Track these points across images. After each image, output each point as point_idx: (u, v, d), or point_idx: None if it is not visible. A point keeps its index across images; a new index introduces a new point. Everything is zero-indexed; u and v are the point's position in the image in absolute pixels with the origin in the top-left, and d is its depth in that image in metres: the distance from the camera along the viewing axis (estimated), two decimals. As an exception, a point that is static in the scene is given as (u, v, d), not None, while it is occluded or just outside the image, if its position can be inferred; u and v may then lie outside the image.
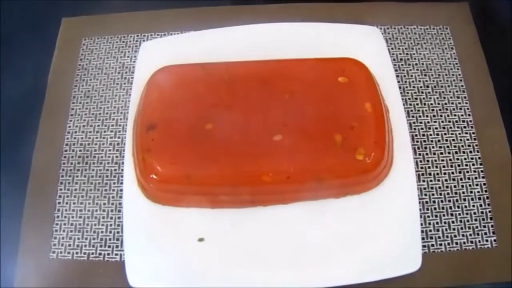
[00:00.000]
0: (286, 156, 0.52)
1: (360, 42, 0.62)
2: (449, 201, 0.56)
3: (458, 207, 0.56)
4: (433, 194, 0.57)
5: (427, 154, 0.59)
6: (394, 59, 0.65)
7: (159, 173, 0.52)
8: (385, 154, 0.54)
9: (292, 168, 0.52)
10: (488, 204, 0.56)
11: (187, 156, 0.53)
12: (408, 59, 0.65)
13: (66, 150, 0.60)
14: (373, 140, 0.54)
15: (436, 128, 0.61)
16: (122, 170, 0.57)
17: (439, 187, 0.57)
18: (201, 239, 0.53)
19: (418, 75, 0.64)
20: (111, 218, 0.56)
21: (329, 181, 0.53)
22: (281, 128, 0.54)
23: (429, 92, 0.63)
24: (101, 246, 0.55)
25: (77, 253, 0.54)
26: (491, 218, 0.55)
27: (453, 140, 0.60)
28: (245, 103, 0.56)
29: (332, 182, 0.53)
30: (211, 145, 0.54)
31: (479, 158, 0.59)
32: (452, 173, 0.58)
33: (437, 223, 0.55)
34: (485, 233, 0.55)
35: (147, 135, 0.54)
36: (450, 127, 0.61)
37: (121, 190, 0.56)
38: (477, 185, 0.57)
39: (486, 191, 0.57)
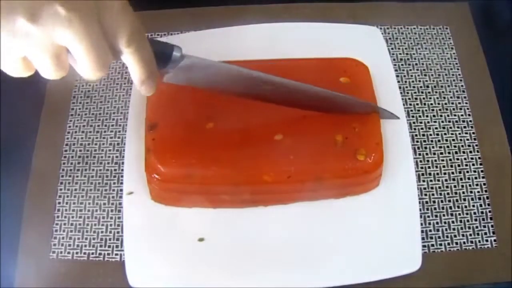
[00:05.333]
0: (287, 156, 0.52)
1: (360, 42, 0.63)
2: (449, 201, 0.56)
3: (458, 207, 0.56)
4: (433, 194, 0.57)
5: (427, 154, 0.59)
6: (394, 59, 0.65)
7: (161, 173, 0.52)
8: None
9: (293, 168, 0.52)
10: (488, 204, 0.56)
11: (188, 156, 0.53)
12: (408, 59, 0.65)
13: (66, 150, 0.60)
14: (374, 141, 0.54)
15: (436, 128, 0.61)
16: (122, 170, 0.57)
17: (439, 187, 0.57)
18: (201, 239, 0.53)
19: (418, 75, 0.64)
20: (111, 218, 0.56)
21: (330, 181, 0.53)
22: (282, 128, 0.54)
23: (429, 92, 0.63)
24: (101, 246, 0.55)
25: (77, 253, 0.54)
26: (491, 218, 0.55)
27: (453, 140, 0.60)
28: (246, 102, 0.56)
29: (332, 182, 0.53)
30: (212, 144, 0.54)
31: (479, 158, 0.59)
32: (452, 173, 0.58)
33: (437, 223, 0.55)
34: (485, 233, 0.55)
35: (148, 135, 0.54)
36: (450, 127, 0.61)
37: (121, 190, 0.56)
38: (477, 185, 0.57)
39: (486, 191, 0.57)
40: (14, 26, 0.34)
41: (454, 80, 0.64)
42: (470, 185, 0.57)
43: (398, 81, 0.62)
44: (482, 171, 0.58)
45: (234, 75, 0.48)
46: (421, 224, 0.54)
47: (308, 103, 0.53)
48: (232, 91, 0.50)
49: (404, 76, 0.64)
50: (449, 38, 0.66)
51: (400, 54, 0.65)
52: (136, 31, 0.39)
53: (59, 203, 0.57)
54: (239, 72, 0.48)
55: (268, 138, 0.54)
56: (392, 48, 0.66)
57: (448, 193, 0.57)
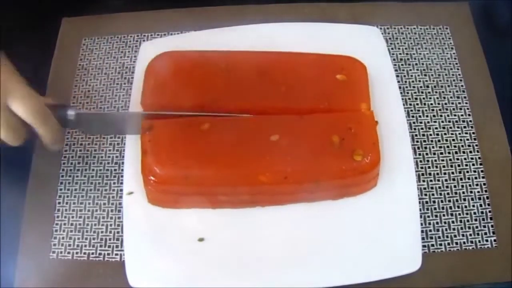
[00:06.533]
0: (283, 157, 0.52)
1: (360, 42, 0.62)
2: (449, 201, 0.56)
3: (458, 207, 0.56)
4: (433, 194, 0.57)
5: (427, 154, 0.59)
6: (394, 59, 0.64)
7: (157, 175, 0.52)
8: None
9: (289, 169, 0.52)
10: (488, 204, 0.56)
11: (184, 157, 0.53)
12: (408, 59, 0.65)
13: (66, 150, 0.60)
14: (371, 141, 0.54)
15: (436, 128, 0.61)
16: (122, 170, 0.57)
17: (439, 187, 0.57)
18: (201, 239, 0.53)
19: (418, 75, 0.64)
20: (111, 218, 0.56)
21: (327, 182, 0.53)
22: (278, 129, 0.54)
23: (429, 92, 0.63)
24: (101, 246, 0.55)
25: (77, 253, 0.54)
26: (491, 218, 0.55)
27: (453, 140, 0.60)
28: (242, 102, 0.56)
29: (330, 183, 0.53)
30: (209, 145, 0.53)
31: (479, 158, 0.59)
32: (452, 173, 0.58)
33: (437, 223, 0.55)
34: (485, 233, 0.55)
35: (144, 137, 0.54)
36: (450, 127, 0.61)
37: (121, 190, 0.56)
38: (477, 185, 0.57)
39: (486, 191, 0.57)
40: None
41: (454, 80, 0.64)
42: (470, 185, 0.57)
43: (398, 81, 0.62)
44: (482, 171, 0.58)
45: (127, 119, 0.57)
46: (421, 224, 0.54)
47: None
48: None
49: (404, 76, 0.64)
50: (449, 38, 0.66)
51: (400, 54, 0.65)
52: (37, 111, 0.48)
53: (59, 203, 0.57)
54: (131, 115, 0.57)
55: (264, 138, 0.53)
56: (392, 48, 0.66)
57: (448, 193, 0.57)
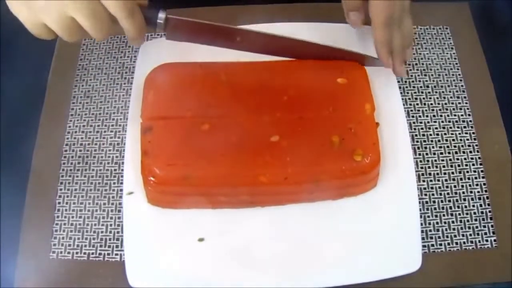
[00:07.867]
0: (283, 158, 0.52)
1: (360, 42, 0.62)
2: (449, 201, 0.56)
3: (458, 207, 0.56)
4: (433, 194, 0.57)
5: (427, 154, 0.59)
6: (394, 59, 0.64)
7: (157, 175, 0.52)
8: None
9: (289, 170, 0.52)
10: (488, 204, 0.56)
11: (184, 158, 0.53)
12: (408, 59, 0.65)
13: (66, 150, 0.60)
14: (371, 141, 0.54)
15: (436, 128, 0.61)
16: (122, 170, 0.57)
17: (439, 187, 0.57)
18: (201, 239, 0.53)
19: (418, 75, 0.64)
20: (111, 218, 0.56)
21: (327, 182, 0.53)
22: (278, 129, 0.54)
23: (429, 92, 0.63)
24: (101, 246, 0.55)
25: (77, 253, 0.54)
26: (491, 218, 0.55)
27: (453, 140, 0.60)
28: (243, 103, 0.56)
29: (330, 183, 0.53)
30: (208, 146, 0.53)
31: (479, 158, 0.59)
32: (452, 173, 0.58)
33: (437, 223, 0.55)
34: (485, 233, 0.55)
35: (143, 137, 0.54)
36: (450, 127, 0.61)
37: (121, 190, 0.56)
38: (477, 185, 0.57)
39: (486, 191, 0.57)
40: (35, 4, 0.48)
41: (454, 80, 0.64)
42: (470, 185, 0.57)
43: (398, 81, 0.62)
44: (482, 171, 0.58)
45: (215, 31, 0.57)
46: (421, 224, 0.54)
47: (291, 52, 0.59)
48: (217, 44, 0.58)
49: (404, 76, 0.64)
50: (449, 38, 0.66)
51: (400, 54, 0.65)
52: (124, 4, 0.49)
53: (59, 203, 0.57)
54: (218, 27, 0.56)
55: (264, 139, 0.53)
56: (392, 48, 0.66)
57: (448, 193, 0.57)
